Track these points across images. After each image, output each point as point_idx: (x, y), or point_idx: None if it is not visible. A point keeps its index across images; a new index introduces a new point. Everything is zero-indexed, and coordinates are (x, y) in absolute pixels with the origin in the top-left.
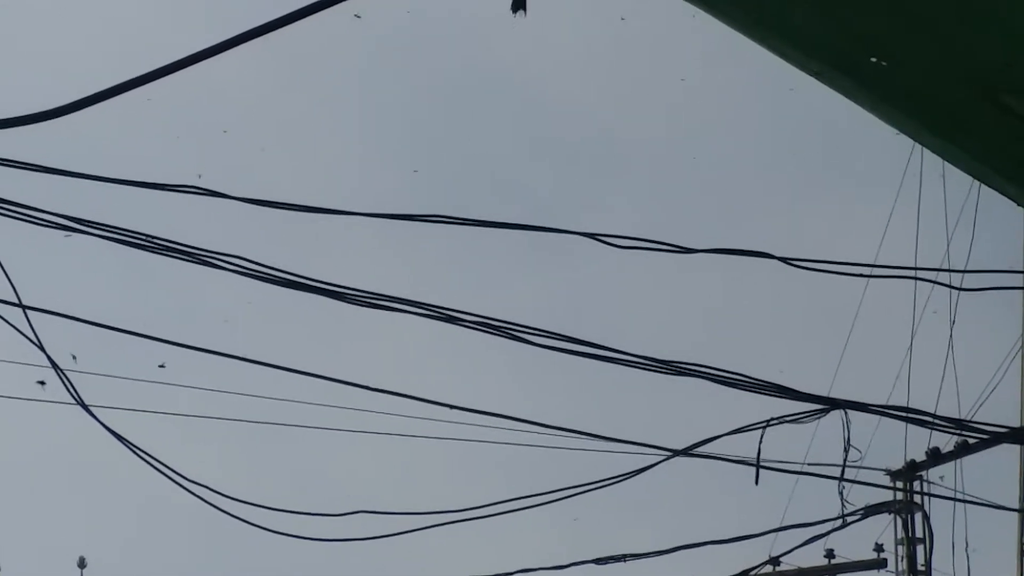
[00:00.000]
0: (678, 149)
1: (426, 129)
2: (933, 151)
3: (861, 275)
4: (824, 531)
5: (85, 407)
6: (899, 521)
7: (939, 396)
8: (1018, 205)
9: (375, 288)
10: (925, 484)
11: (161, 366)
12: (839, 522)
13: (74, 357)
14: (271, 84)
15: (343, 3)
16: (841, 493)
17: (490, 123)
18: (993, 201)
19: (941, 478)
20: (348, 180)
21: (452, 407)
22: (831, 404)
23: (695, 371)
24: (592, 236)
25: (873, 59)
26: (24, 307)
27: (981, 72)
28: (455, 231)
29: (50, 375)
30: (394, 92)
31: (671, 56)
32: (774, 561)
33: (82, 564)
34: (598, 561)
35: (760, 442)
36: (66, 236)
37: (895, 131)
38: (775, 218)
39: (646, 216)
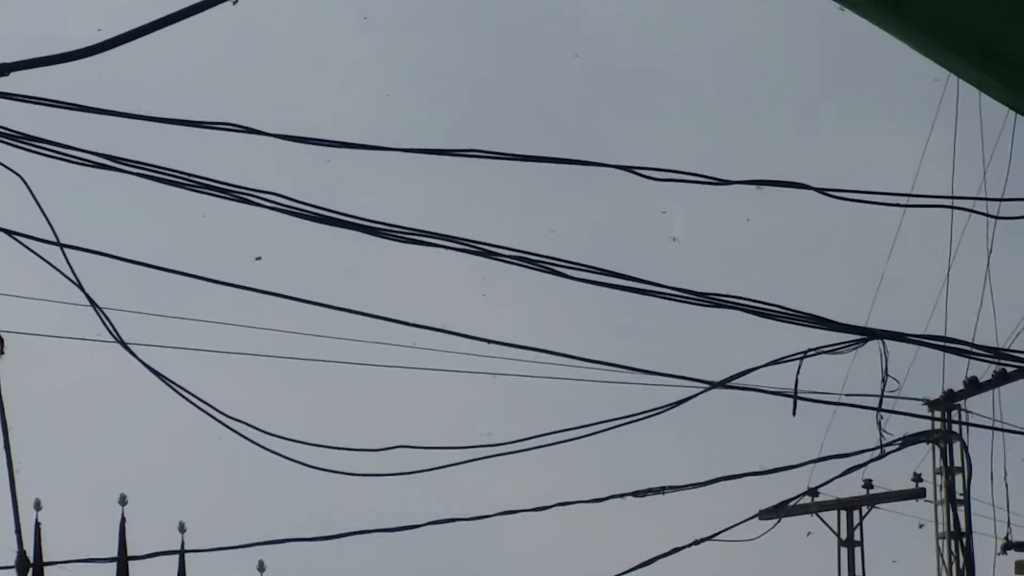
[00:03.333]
0: (714, 79)
1: (461, 61)
2: (968, 82)
3: (897, 204)
4: (863, 461)
5: (124, 344)
6: (937, 450)
7: (976, 325)
8: None
9: (411, 223)
10: (963, 413)
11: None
12: (877, 452)
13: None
14: (308, 18)
15: None
16: (879, 423)
17: (525, 55)
18: None
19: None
20: (385, 113)
21: (490, 342)
22: (868, 334)
23: (732, 303)
24: (628, 169)
25: None
26: (62, 245)
27: (1017, 1)
28: (491, 164)
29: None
30: (427, 23)
31: None
32: (813, 492)
33: (123, 501)
34: (636, 494)
35: (798, 373)
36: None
37: (931, 61)
38: (811, 148)
39: (681, 146)
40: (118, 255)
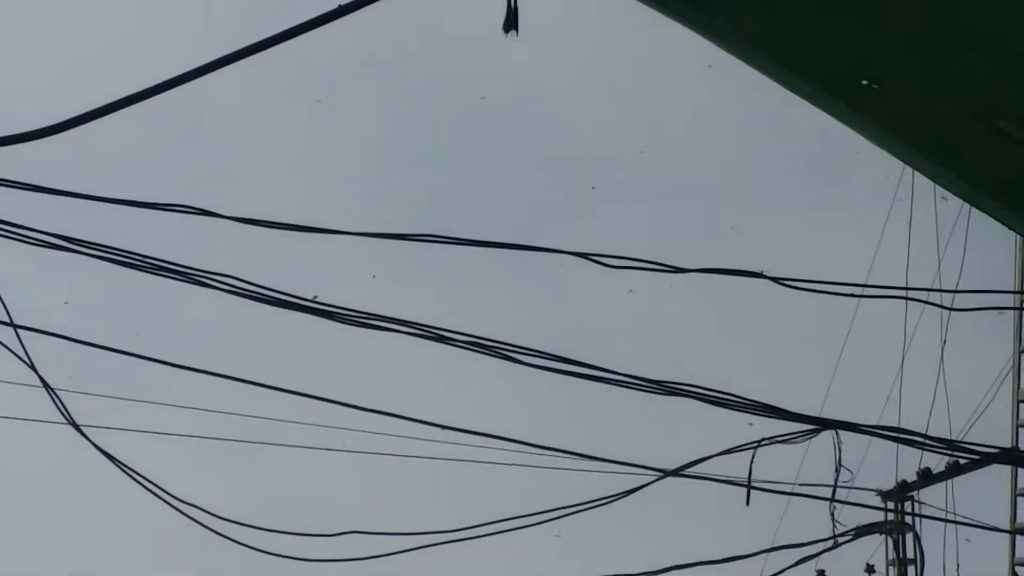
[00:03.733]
0: (668, 167)
1: (413, 147)
2: (925, 174)
3: (852, 295)
4: (815, 552)
5: (76, 426)
6: (890, 542)
7: (930, 416)
8: (1010, 229)
9: (365, 307)
10: (916, 505)
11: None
12: (830, 543)
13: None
14: (264, 102)
15: (334, 21)
16: (832, 513)
17: (478, 140)
18: (984, 221)
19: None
20: (339, 199)
21: (442, 427)
22: (822, 424)
23: (686, 391)
24: (584, 256)
25: (865, 82)
26: (15, 326)
27: (975, 96)
28: (445, 249)
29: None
30: (381, 109)
31: (661, 73)
32: None
33: None
34: None
35: (751, 462)
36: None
37: (887, 153)
38: (766, 237)
39: (636, 233)
40: (71, 336)
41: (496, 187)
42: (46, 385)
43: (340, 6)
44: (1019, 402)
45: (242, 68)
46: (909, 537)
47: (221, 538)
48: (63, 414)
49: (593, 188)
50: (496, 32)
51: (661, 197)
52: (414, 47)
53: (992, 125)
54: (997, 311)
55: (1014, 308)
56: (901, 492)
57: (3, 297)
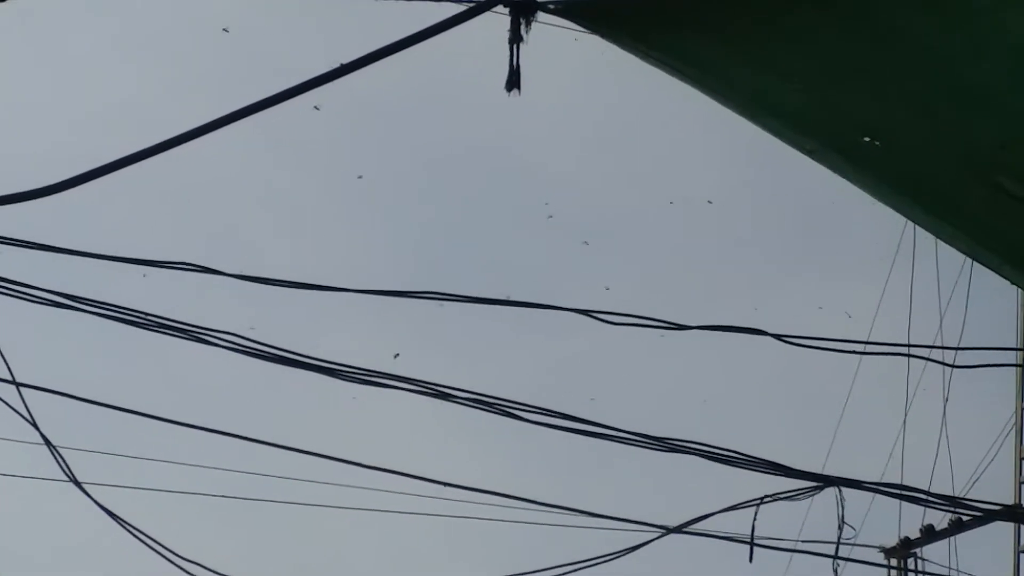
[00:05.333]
0: (670, 224)
1: (416, 203)
2: (927, 230)
3: (854, 352)
4: None
5: (78, 484)
6: None
7: (933, 473)
8: (1012, 284)
9: (368, 364)
10: (919, 562)
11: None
12: None
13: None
14: (265, 159)
15: (334, 81)
16: (836, 571)
17: (481, 198)
18: (987, 277)
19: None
20: (341, 256)
21: (444, 484)
22: (825, 481)
23: (689, 448)
24: (585, 313)
25: (866, 139)
26: (18, 384)
27: (976, 153)
28: (448, 307)
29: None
30: (383, 166)
31: (662, 130)
32: None
33: None
34: None
35: (754, 519)
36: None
37: (889, 209)
38: (769, 293)
39: (638, 290)
40: (73, 394)
41: (494, 243)
42: (47, 442)
43: (342, 65)
44: (1022, 459)
45: (241, 126)
46: None
47: None
48: (64, 471)
49: (586, 243)
50: (499, 90)
51: (659, 253)
52: (411, 103)
53: (993, 182)
54: (996, 368)
55: (1015, 365)
56: (904, 549)
57: (4, 354)
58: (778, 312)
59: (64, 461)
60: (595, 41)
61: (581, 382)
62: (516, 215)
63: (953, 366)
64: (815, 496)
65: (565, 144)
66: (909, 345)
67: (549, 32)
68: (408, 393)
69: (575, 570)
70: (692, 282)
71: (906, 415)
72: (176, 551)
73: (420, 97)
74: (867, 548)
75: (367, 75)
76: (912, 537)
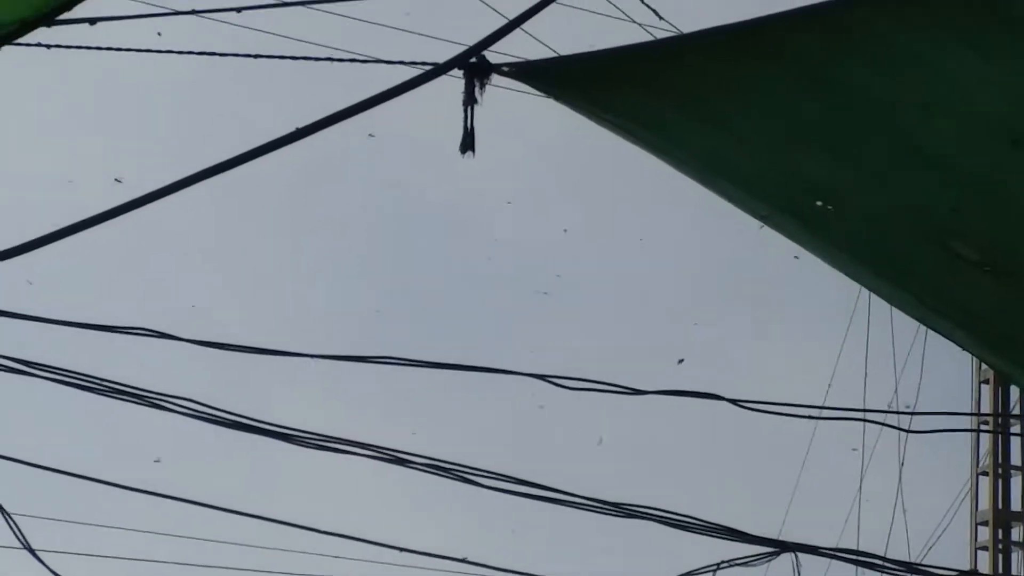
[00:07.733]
0: (624, 288)
1: (369, 267)
2: (878, 295)
3: (810, 417)
4: None
5: (33, 552)
6: None
7: (889, 538)
8: (963, 350)
9: (323, 430)
10: None
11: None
12: None
13: None
14: (222, 224)
15: (289, 145)
16: None
17: (434, 261)
18: (942, 341)
19: None
20: (295, 320)
21: (400, 549)
22: (781, 547)
23: (645, 513)
24: (541, 377)
25: (819, 203)
26: None
27: (928, 217)
28: (402, 371)
29: None
30: (333, 228)
31: (615, 195)
32: None
33: None
34: None
35: None
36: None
37: (842, 274)
38: (724, 358)
39: (592, 354)
40: (27, 460)
41: (451, 308)
42: (2, 509)
43: (297, 129)
44: (977, 524)
45: (197, 190)
46: None
47: None
48: (18, 538)
49: (545, 293)
50: (449, 150)
51: (612, 315)
52: (363, 164)
53: (945, 246)
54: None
55: (971, 430)
56: None
57: None
58: (734, 376)
59: (18, 528)
60: (549, 102)
61: (538, 443)
62: (467, 278)
63: (908, 431)
64: (771, 561)
65: (518, 206)
66: (865, 410)
67: (501, 94)
68: (365, 459)
69: None
70: (646, 347)
71: (862, 480)
72: None
73: (372, 153)
74: None
75: (320, 133)
76: None
